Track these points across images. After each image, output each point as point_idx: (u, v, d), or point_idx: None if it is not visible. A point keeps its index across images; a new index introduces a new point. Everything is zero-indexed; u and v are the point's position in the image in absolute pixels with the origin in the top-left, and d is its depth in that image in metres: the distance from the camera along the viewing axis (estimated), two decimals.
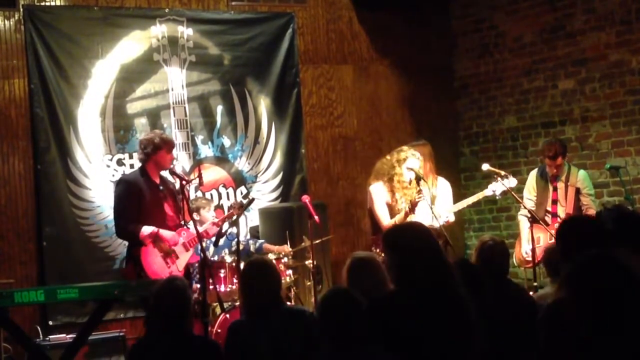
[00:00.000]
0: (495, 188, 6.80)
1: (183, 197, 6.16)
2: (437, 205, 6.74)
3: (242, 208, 6.50)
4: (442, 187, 6.97)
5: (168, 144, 6.40)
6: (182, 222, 6.35)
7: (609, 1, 8.02)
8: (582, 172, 7.23)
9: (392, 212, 6.55)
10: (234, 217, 6.40)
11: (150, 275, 6.06)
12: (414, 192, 6.41)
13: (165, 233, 6.26)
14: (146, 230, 6.16)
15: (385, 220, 6.54)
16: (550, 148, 7.17)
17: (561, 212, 7.09)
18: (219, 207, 7.99)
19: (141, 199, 6.22)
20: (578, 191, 7.12)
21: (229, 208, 6.75)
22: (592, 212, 6.81)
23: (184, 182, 6.17)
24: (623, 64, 7.96)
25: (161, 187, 6.38)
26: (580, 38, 8.27)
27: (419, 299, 3.50)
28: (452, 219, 6.80)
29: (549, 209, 7.22)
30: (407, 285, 3.59)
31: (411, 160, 6.57)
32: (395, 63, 9.13)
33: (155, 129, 7.78)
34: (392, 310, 3.54)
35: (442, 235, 6.06)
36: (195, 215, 6.99)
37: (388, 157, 6.75)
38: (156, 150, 6.30)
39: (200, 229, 6.31)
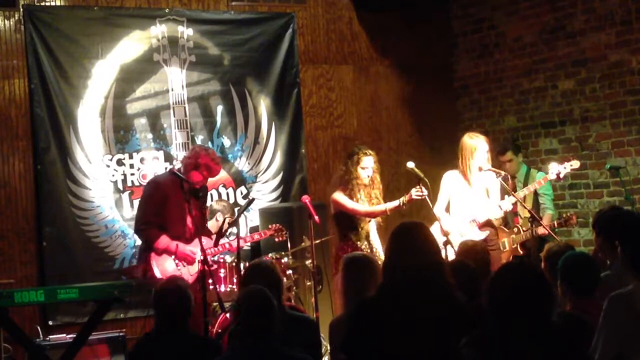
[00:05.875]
0: (560, 170, 6.53)
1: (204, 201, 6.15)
2: (490, 198, 6.59)
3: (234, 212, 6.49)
4: (491, 180, 6.61)
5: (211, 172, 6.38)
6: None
7: (609, 1, 8.01)
8: (541, 173, 7.29)
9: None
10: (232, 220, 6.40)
11: (162, 276, 5.97)
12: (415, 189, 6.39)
13: (183, 251, 6.16)
14: (163, 243, 6.08)
15: (362, 207, 6.59)
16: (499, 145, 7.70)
17: (520, 212, 7.25)
18: None
19: (165, 204, 6.12)
20: (535, 192, 7.20)
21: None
22: (549, 213, 7.22)
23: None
24: (623, 64, 7.95)
25: (188, 197, 6.04)
26: (580, 38, 8.26)
27: (400, 301, 3.44)
28: (509, 208, 6.61)
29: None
30: (389, 287, 3.54)
31: (366, 160, 6.61)
32: (395, 63, 9.13)
33: (155, 129, 7.80)
34: (374, 313, 3.50)
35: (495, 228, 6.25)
36: (214, 220, 6.99)
37: (342, 166, 6.82)
38: (203, 171, 6.26)
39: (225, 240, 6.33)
